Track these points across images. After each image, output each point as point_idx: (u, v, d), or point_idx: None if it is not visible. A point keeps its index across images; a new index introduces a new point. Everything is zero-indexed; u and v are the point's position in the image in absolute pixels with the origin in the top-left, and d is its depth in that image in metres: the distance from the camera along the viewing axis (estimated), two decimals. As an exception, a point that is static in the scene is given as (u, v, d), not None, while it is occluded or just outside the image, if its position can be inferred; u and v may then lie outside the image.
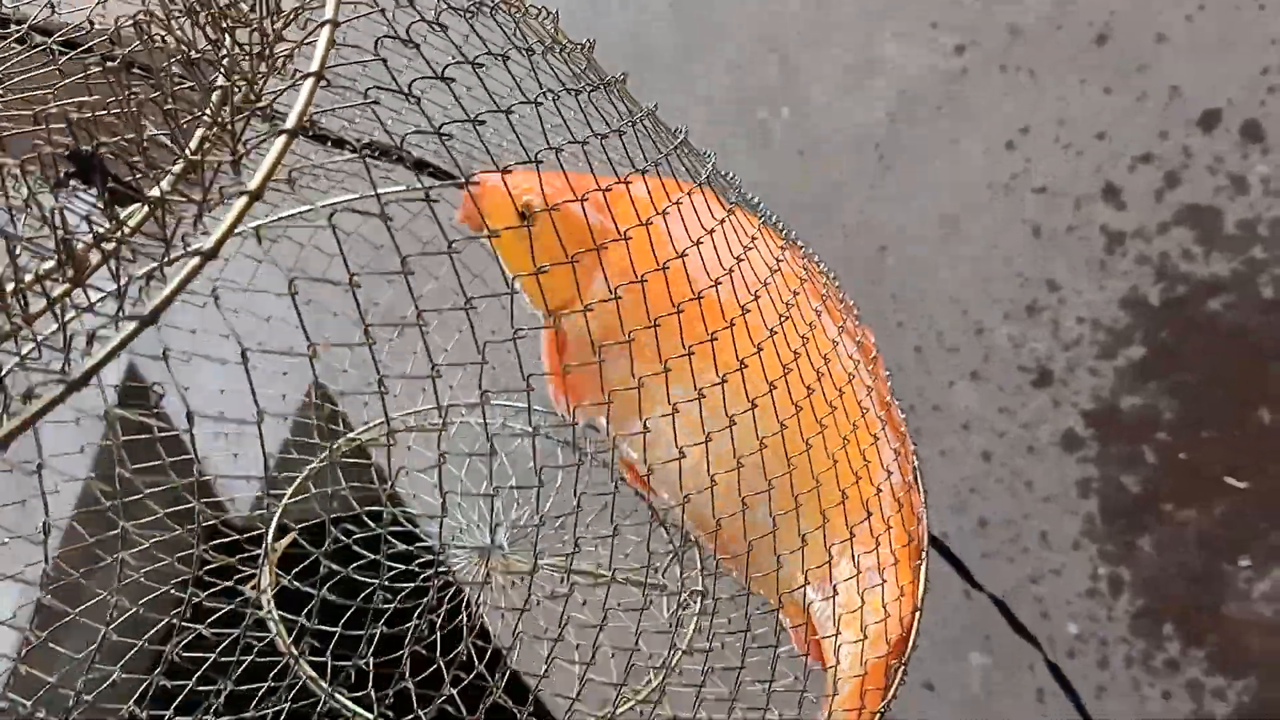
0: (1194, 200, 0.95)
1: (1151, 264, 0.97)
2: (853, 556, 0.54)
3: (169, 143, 0.31)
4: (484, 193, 0.50)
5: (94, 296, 0.28)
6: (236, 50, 0.34)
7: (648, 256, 0.45)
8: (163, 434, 0.57)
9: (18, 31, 0.41)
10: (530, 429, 0.38)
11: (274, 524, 0.72)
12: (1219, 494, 0.94)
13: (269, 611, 0.64)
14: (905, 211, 1.07)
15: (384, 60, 0.34)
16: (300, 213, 0.70)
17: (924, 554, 0.57)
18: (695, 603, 0.68)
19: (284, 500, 0.76)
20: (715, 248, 0.48)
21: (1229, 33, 0.94)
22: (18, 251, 0.27)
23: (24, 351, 0.27)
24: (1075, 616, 0.98)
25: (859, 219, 1.11)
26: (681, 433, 0.45)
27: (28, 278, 0.27)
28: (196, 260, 0.27)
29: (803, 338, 0.52)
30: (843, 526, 0.53)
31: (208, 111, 0.32)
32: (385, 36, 0.34)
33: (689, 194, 0.50)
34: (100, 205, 0.28)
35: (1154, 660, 0.94)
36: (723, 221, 0.50)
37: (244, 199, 0.28)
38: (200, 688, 0.54)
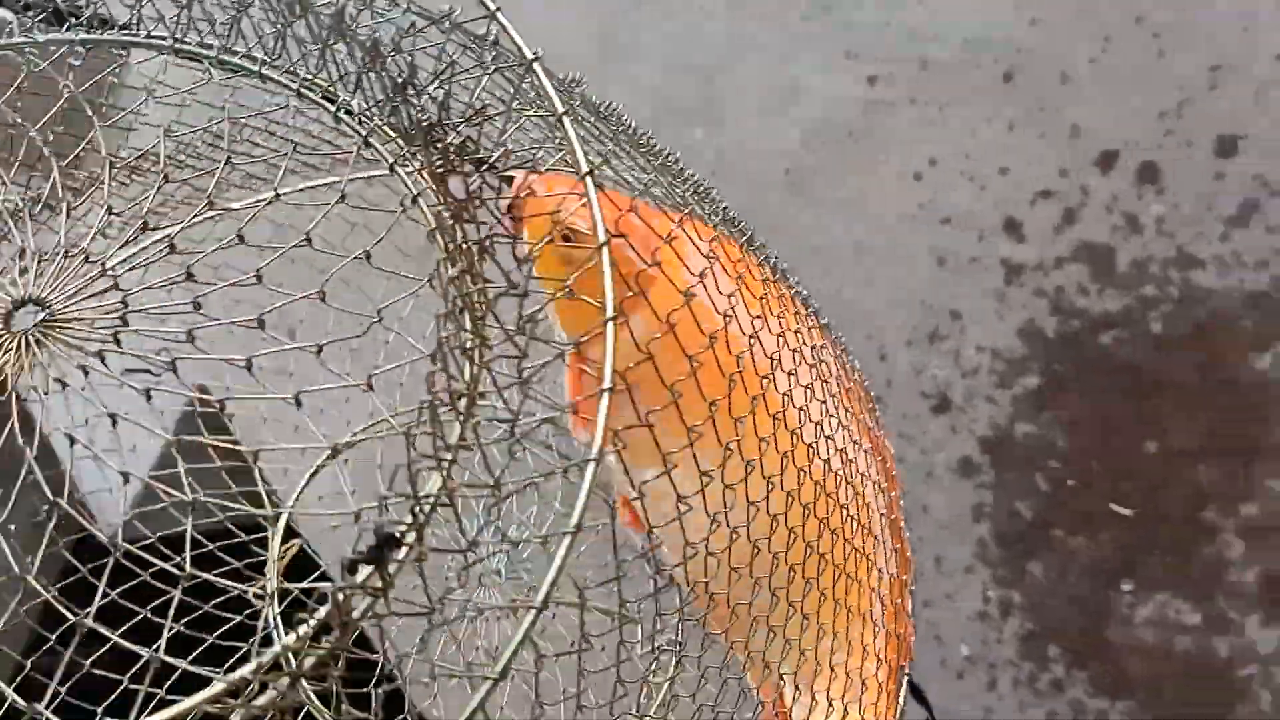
0: (1090, 237, 0.99)
1: (1048, 297, 1.00)
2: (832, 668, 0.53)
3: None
4: (526, 201, 0.47)
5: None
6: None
7: (689, 311, 0.43)
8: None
9: None
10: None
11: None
12: (1106, 521, 0.97)
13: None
14: (814, 236, 1.09)
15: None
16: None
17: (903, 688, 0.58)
18: (672, 653, 0.66)
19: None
20: (750, 317, 0.47)
21: (1130, 76, 0.98)
22: None
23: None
24: (967, 639, 1.00)
25: (767, 241, 1.12)
26: (690, 486, 0.42)
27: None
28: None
29: (827, 437, 0.51)
30: (829, 631, 0.53)
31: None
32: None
33: (725, 250, 0.48)
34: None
35: (1039, 682, 0.97)
36: (763, 297, 0.49)
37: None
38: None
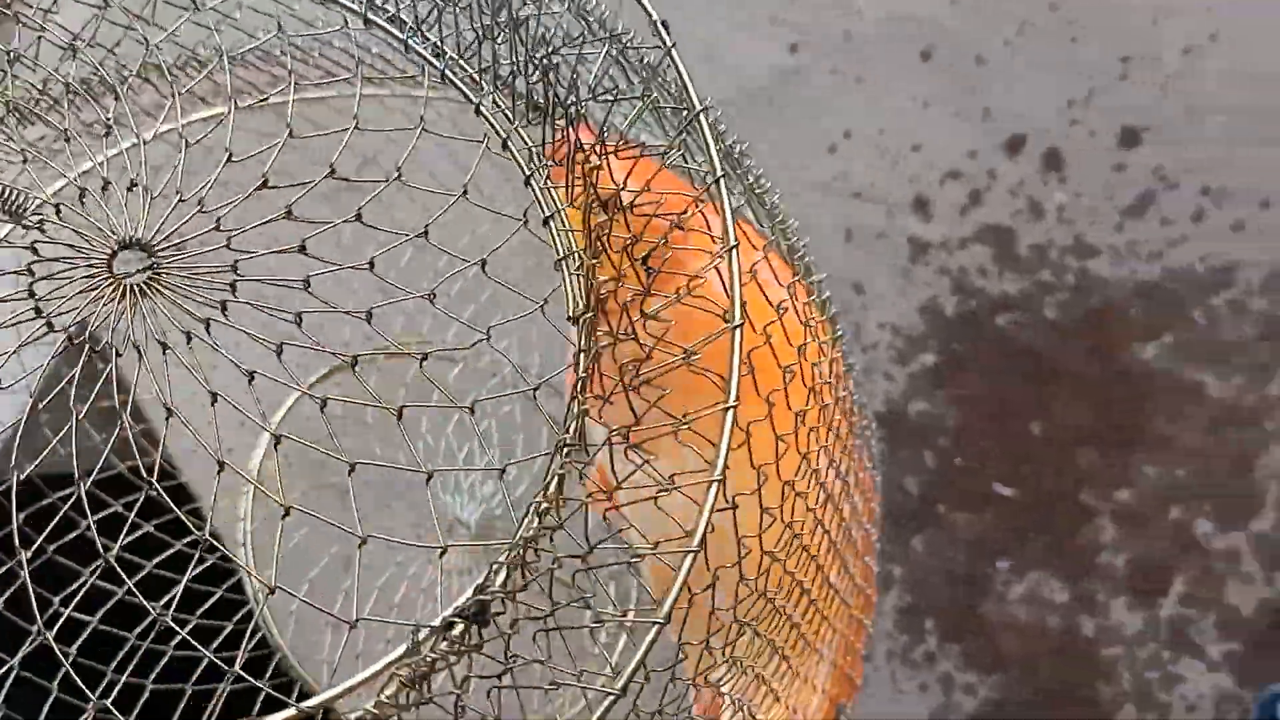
0: (994, 220, 1.00)
1: (951, 276, 1.01)
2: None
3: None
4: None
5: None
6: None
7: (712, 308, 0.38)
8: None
9: None
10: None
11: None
12: (989, 500, 0.99)
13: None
14: (728, 201, 1.08)
15: None
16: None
17: None
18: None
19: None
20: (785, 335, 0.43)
21: (1042, 62, 0.99)
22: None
23: None
24: (848, 609, 1.02)
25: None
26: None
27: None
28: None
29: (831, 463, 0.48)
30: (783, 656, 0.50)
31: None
32: None
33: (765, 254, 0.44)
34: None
35: (914, 654, 0.99)
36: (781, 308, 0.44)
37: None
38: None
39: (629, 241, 0.36)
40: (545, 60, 0.37)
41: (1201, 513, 0.94)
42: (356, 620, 0.33)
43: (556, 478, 0.33)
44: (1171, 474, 0.94)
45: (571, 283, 0.36)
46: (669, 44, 0.38)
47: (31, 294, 0.33)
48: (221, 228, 0.34)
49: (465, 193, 0.35)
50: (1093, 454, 0.97)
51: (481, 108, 0.37)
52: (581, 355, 0.34)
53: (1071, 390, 0.98)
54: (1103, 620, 0.96)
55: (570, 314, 0.35)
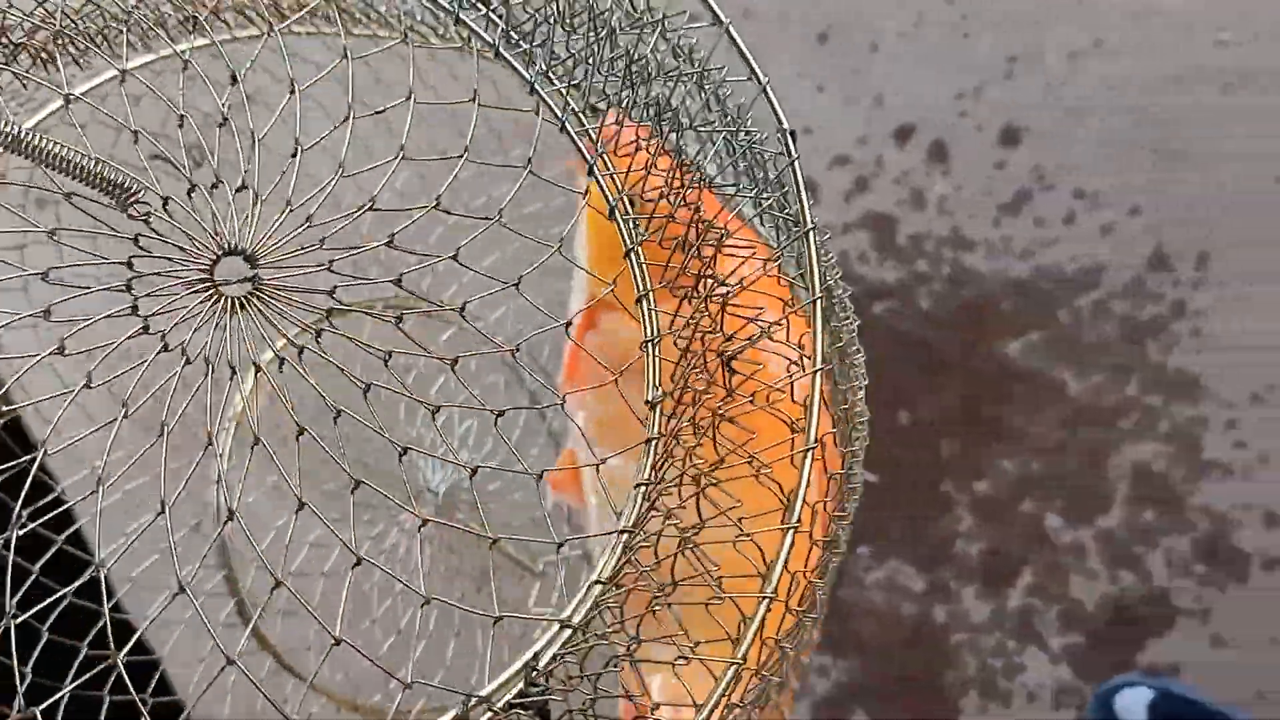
0: (877, 208, 1.00)
1: (833, 261, 1.01)
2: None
3: None
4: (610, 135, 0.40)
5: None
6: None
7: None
8: None
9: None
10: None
11: None
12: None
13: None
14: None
15: None
16: None
17: None
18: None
19: None
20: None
21: (934, 53, 0.99)
22: None
23: None
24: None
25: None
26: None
27: None
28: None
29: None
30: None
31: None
32: None
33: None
34: None
35: (770, 634, 0.99)
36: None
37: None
38: None
39: (721, 339, 0.36)
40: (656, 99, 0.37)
41: (1053, 507, 0.96)
42: (410, 683, 0.31)
43: (615, 564, 0.33)
44: (1027, 468, 0.96)
45: (653, 364, 0.35)
46: (794, 155, 0.38)
47: (128, 288, 0.31)
48: (323, 244, 0.33)
49: (529, 168, 0.34)
50: (955, 445, 0.98)
51: (537, 88, 0.36)
52: (653, 443, 0.34)
53: (938, 380, 0.99)
54: (954, 607, 0.97)
55: (648, 398, 0.35)
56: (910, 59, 1.00)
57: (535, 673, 0.31)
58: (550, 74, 0.37)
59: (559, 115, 0.36)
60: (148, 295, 0.31)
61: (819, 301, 0.37)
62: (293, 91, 0.34)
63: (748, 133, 0.42)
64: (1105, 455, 0.96)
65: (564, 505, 0.69)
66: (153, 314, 0.31)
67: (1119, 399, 0.96)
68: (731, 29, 0.41)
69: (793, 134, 0.39)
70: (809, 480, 0.35)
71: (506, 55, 0.37)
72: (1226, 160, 0.96)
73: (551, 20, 0.38)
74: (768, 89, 0.40)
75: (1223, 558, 0.94)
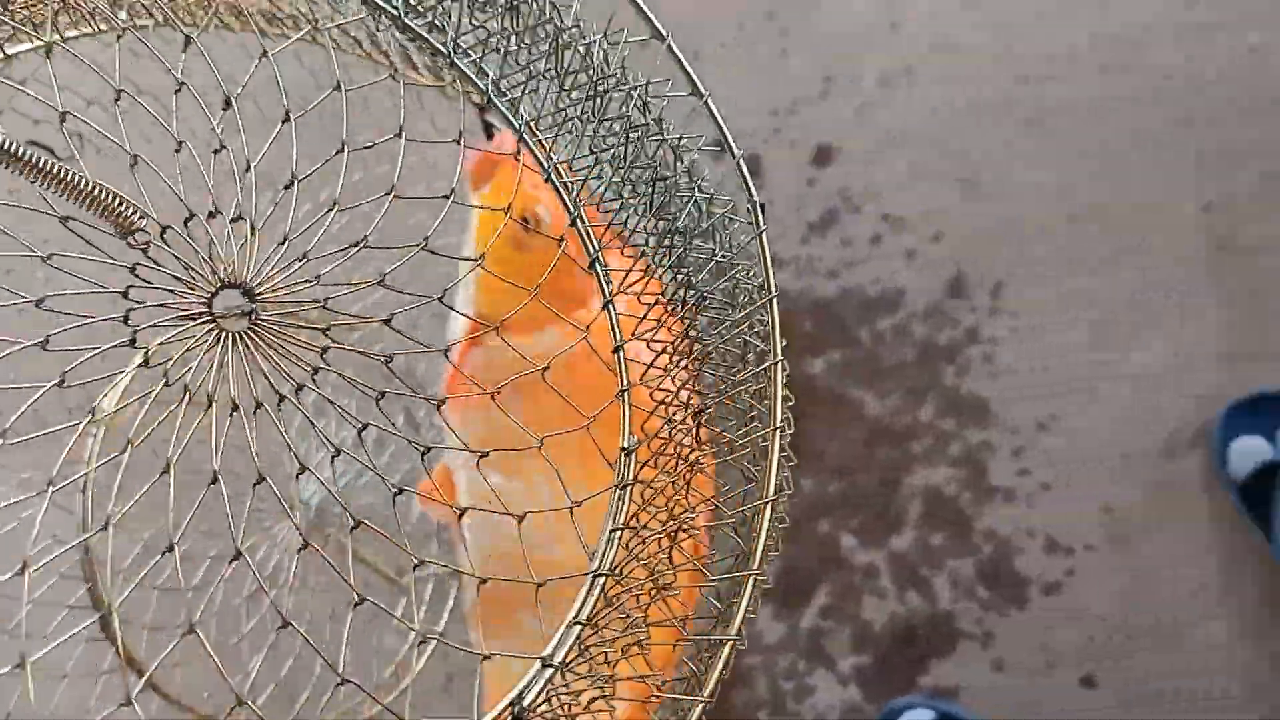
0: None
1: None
2: None
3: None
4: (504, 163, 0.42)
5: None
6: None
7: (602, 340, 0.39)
8: None
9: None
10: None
11: None
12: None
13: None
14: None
15: None
16: None
17: None
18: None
19: None
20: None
21: (751, 69, 0.99)
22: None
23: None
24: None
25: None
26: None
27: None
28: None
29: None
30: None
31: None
32: None
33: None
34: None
35: (560, 653, 0.96)
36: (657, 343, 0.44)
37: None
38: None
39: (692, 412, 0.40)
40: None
41: (848, 528, 0.96)
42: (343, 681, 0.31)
43: (593, 602, 0.34)
44: (825, 488, 0.96)
45: (627, 414, 0.37)
46: (762, 227, 0.41)
47: (126, 320, 0.31)
48: (315, 277, 0.33)
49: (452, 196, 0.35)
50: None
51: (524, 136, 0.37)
52: (621, 490, 0.36)
53: (746, 398, 0.98)
54: (749, 628, 0.96)
55: (624, 444, 0.37)
56: (730, 70, 0.99)
57: (521, 709, 0.32)
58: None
59: (570, 207, 0.38)
60: (150, 326, 0.31)
61: (780, 365, 0.39)
62: (286, 119, 0.33)
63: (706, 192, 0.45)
64: (899, 476, 0.96)
65: (432, 518, 0.71)
66: (152, 349, 0.31)
67: (913, 420, 0.97)
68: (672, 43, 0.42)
69: (763, 206, 0.42)
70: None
71: (498, 104, 0.38)
72: (1024, 193, 0.98)
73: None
74: (708, 100, 0.43)
75: (1005, 581, 0.96)
